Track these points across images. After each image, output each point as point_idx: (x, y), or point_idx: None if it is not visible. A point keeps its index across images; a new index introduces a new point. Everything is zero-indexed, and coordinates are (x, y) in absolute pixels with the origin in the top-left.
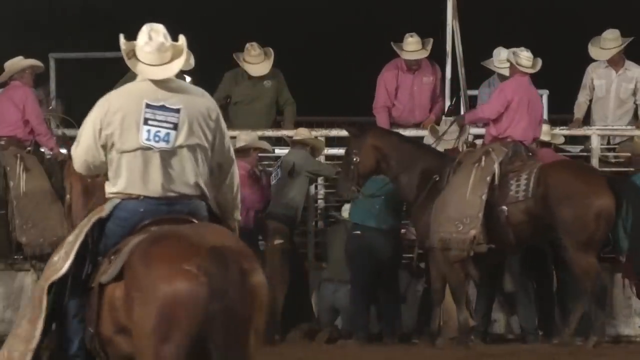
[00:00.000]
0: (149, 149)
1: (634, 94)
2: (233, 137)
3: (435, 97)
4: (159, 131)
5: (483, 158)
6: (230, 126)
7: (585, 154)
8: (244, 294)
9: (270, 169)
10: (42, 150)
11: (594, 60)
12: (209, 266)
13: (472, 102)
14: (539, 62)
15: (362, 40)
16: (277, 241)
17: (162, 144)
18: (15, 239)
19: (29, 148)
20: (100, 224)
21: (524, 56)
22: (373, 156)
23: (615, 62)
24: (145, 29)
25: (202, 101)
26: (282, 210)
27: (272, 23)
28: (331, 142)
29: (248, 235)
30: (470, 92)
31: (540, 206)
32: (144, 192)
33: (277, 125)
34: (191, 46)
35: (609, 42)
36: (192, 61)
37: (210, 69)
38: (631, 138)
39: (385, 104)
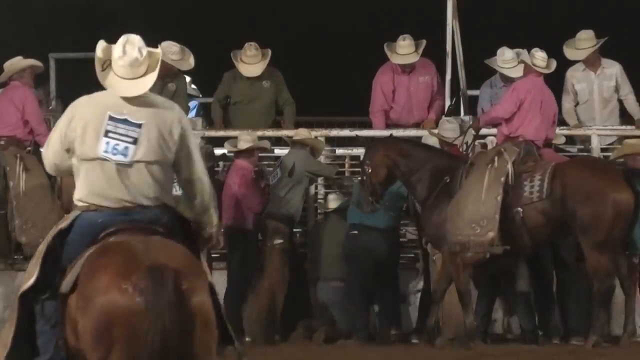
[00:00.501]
0: (106, 160)
1: (616, 90)
2: (234, 138)
3: (433, 95)
4: (117, 144)
5: (496, 159)
6: (230, 126)
7: (585, 154)
8: (182, 314)
9: (270, 169)
10: (42, 150)
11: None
12: (144, 285)
13: (472, 102)
14: (554, 62)
15: (362, 40)
16: (277, 241)
17: (120, 157)
18: (15, 239)
19: (28, 148)
20: (63, 234)
21: (539, 56)
22: (384, 165)
23: (591, 63)
24: (121, 40)
25: (168, 116)
26: (282, 210)
27: (272, 23)
28: (331, 142)
29: (248, 236)
30: (471, 92)
31: (557, 206)
32: (102, 202)
33: (277, 125)
34: (192, 46)
35: (584, 42)
36: (191, 61)
37: (210, 69)
38: (620, 140)
39: (382, 107)
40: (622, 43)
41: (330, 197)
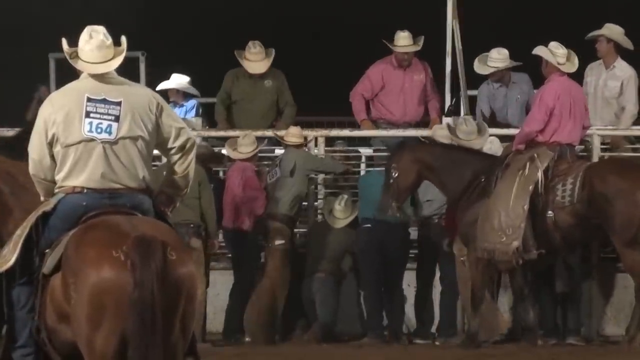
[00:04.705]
0: (91, 140)
1: (620, 95)
2: (234, 137)
3: (427, 95)
4: (100, 123)
5: (527, 165)
6: (231, 125)
7: (585, 154)
8: (167, 285)
9: (267, 169)
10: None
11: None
12: (134, 254)
13: (472, 102)
14: (575, 57)
15: (363, 40)
16: (278, 242)
17: (105, 135)
18: None
19: None
20: (46, 217)
21: (561, 54)
22: (413, 170)
23: (606, 58)
24: (86, 30)
25: (142, 93)
26: (283, 211)
27: (273, 23)
28: (331, 142)
29: (249, 236)
30: (470, 92)
31: (587, 208)
32: (84, 182)
33: (273, 126)
34: (192, 46)
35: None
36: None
37: (211, 69)
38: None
39: (361, 92)
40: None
41: (337, 207)
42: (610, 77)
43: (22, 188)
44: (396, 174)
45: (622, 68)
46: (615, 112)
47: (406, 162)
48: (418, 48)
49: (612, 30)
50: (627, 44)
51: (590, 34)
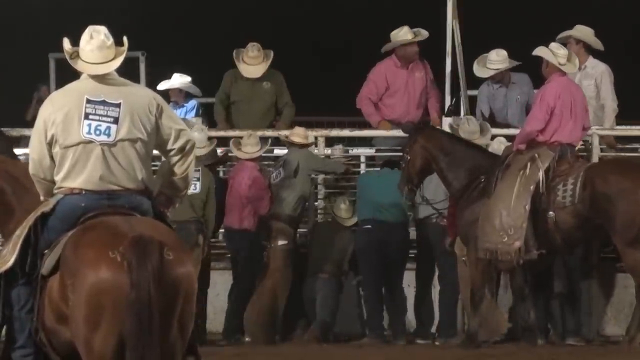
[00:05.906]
0: (90, 142)
1: (597, 93)
2: (235, 137)
3: (427, 93)
4: (99, 125)
5: (528, 165)
6: (230, 126)
7: (584, 154)
8: (164, 285)
9: (270, 169)
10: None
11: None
12: (131, 255)
13: (472, 102)
14: (576, 59)
15: (362, 40)
16: (281, 242)
17: (103, 138)
18: None
19: None
20: (45, 218)
21: (562, 54)
22: (422, 156)
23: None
24: (87, 30)
25: (142, 94)
26: (286, 211)
27: (273, 22)
28: (331, 142)
29: (253, 236)
30: (470, 92)
31: (588, 208)
32: (83, 184)
33: (272, 126)
34: (193, 45)
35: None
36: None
37: (211, 69)
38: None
39: (367, 95)
40: (618, 42)
41: (341, 206)
42: (583, 77)
43: (23, 188)
44: (408, 158)
45: (594, 66)
46: (595, 112)
47: (417, 147)
48: (423, 38)
49: (581, 31)
50: (597, 44)
51: (560, 36)
